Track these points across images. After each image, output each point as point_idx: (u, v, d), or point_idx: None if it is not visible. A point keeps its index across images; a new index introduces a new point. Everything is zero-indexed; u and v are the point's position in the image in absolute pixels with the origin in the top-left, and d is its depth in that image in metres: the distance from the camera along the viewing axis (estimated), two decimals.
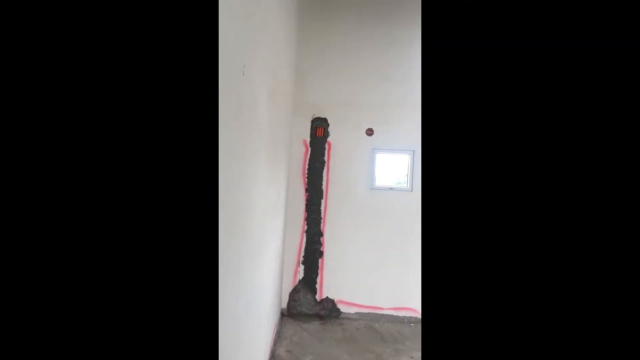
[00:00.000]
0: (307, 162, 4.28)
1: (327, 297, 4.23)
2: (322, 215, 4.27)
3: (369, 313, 4.20)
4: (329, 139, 4.29)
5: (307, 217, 4.27)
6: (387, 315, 4.19)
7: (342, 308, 4.22)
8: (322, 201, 4.27)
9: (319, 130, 4.29)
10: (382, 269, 4.21)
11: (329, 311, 4.22)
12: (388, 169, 4.49)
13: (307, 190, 4.27)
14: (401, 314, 4.18)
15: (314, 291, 4.24)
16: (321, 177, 4.28)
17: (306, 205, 4.27)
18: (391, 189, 4.32)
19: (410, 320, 4.17)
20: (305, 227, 4.26)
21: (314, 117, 4.29)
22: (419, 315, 4.16)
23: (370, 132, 4.28)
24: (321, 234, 4.26)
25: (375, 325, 4.07)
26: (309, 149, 4.29)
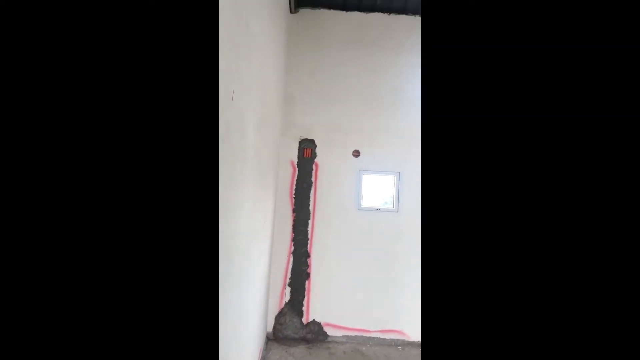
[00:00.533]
0: (295, 183, 4.30)
1: (313, 319, 4.17)
2: (309, 236, 4.26)
3: (356, 336, 4.14)
4: (316, 160, 4.33)
5: (294, 237, 4.25)
6: (374, 338, 4.13)
7: (329, 331, 4.16)
8: (310, 222, 4.27)
9: (307, 151, 4.34)
10: (369, 290, 4.19)
11: (315, 334, 4.14)
12: (374, 190, 4.54)
13: (294, 210, 4.27)
14: (388, 336, 4.14)
15: (300, 314, 4.17)
16: (308, 197, 4.30)
17: (293, 226, 4.26)
18: (378, 210, 4.36)
19: (397, 343, 4.12)
20: (292, 248, 4.24)
21: (302, 138, 4.35)
22: (407, 338, 4.13)
23: (356, 153, 4.35)
24: (308, 255, 4.23)
25: (362, 348, 4.00)
26: (297, 169, 4.32)
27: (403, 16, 4.44)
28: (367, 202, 4.40)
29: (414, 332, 4.13)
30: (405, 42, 4.42)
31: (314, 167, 4.33)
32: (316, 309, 4.18)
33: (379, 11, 4.44)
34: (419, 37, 4.42)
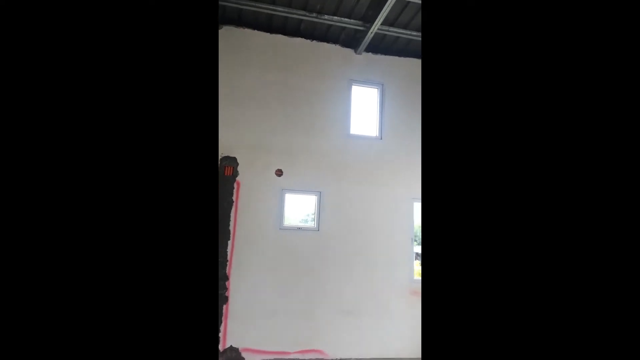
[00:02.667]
0: None
1: (231, 346, 3.96)
2: (228, 258, 4.09)
3: (275, 359, 4.04)
4: (237, 179, 4.24)
5: None
6: (293, 359, 4.07)
7: (247, 357, 3.99)
8: (229, 242, 4.12)
9: (228, 169, 4.23)
10: (289, 311, 4.15)
11: None
12: (296, 209, 4.58)
13: None
14: (307, 356, 4.12)
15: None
16: (229, 217, 4.16)
17: None
18: (299, 228, 4.40)
19: None
20: None
21: (223, 155, 4.23)
22: (325, 357, 4.15)
23: (279, 172, 4.37)
24: (227, 278, 4.05)
25: None
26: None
27: (324, 44, 4.68)
28: (288, 221, 4.41)
29: (332, 351, 4.18)
30: (326, 67, 4.65)
31: (235, 185, 4.22)
32: (234, 334, 3.99)
33: (302, 36, 4.61)
34: (339, 64, 4.69)
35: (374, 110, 4.87)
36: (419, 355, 4.33)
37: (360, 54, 4.72)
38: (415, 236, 4.86)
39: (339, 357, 4.15)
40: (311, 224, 4.49)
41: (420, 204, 4.78)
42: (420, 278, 4.88)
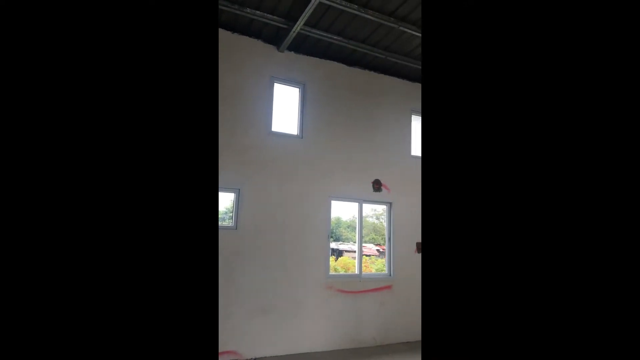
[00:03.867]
0: None
1: None
2: None
3: None
4: None
5: None
6: None
7: None
8: None
9: None
10: None
11: None
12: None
13: None
14: (222, 358, 4.00)
15: None
16: None
17: None
18: None
19: None
20: None
21: None
22: (239, 357, 4.08)
23: None
24: None
25: None
26: None
27: (246, 37, 4.57)
28: None
29: (247, 350, 4.13)
30: (247, 62, 4.54)
31: None
32: None
33: (223, 28, 4.43)
34: (260, 60, 4.62)
35: (295, 109, 4.92)
36: (332, 348, 4.53)
37: (282, 51, 4.71)
38: (332, 233, 5.05)
39: (252, 357, 4.13)
40: (229, 222, 4.36)
41: (336, 201, 4.98)
42: (335, 273, 5.10)
